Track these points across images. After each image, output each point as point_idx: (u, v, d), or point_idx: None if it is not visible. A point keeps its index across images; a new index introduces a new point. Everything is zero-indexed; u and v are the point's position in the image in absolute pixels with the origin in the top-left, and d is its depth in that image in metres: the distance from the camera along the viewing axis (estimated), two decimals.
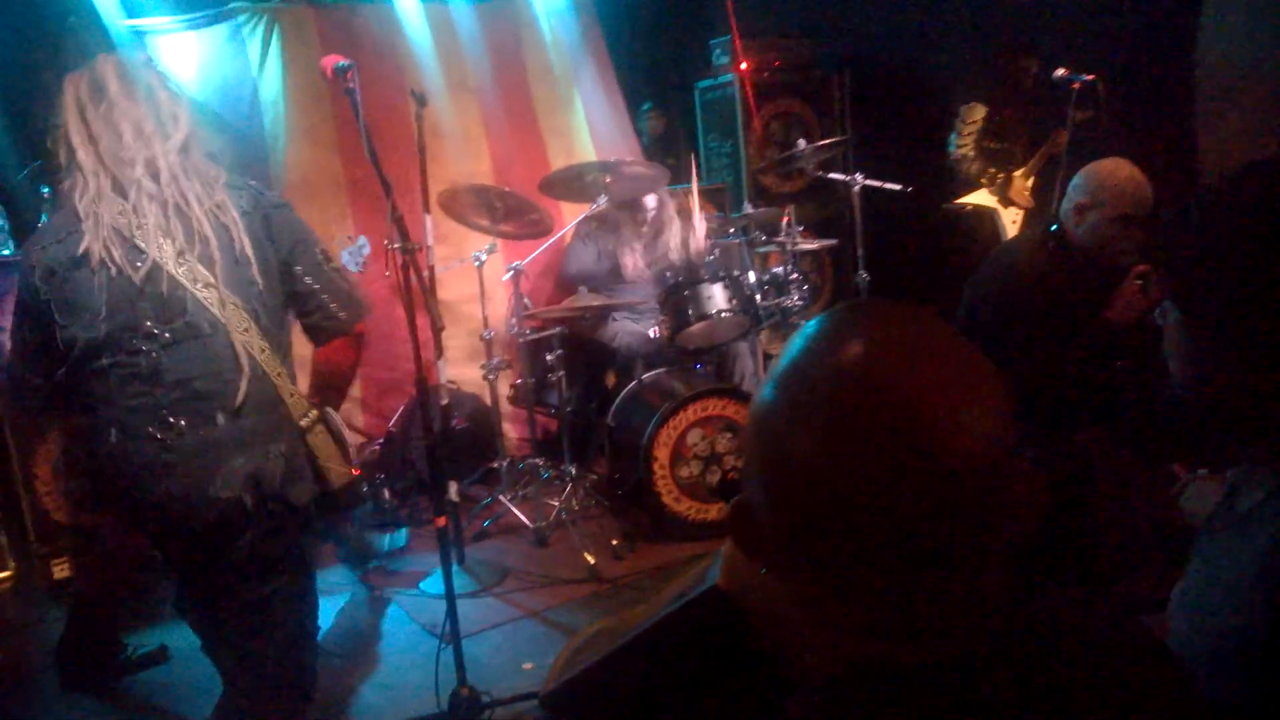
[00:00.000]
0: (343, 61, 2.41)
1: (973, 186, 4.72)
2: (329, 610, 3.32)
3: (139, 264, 1.82)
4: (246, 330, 1.87)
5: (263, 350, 1.89)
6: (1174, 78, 4.36)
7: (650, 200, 4.28)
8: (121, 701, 2.89)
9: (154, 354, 1.82)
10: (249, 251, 1.89)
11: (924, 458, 0.62)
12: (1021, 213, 4.70)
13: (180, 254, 1.84)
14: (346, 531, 3.59)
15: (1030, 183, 4.68)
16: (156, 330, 1.82)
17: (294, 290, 2.00)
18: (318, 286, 2.01)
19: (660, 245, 4.35)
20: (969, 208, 4.73)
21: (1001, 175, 4.66)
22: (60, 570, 3.83)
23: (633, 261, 4.30)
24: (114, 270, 1.81)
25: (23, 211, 4.08)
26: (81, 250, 1.81)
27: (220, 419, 1.85)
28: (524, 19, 4.91)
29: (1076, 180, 2.74)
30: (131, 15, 4.21)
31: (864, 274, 4.33)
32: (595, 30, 5.11)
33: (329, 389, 2.12)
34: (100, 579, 3.00)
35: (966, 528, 0.64)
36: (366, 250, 3.40)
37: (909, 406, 0.63)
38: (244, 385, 1.85)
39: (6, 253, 3.91)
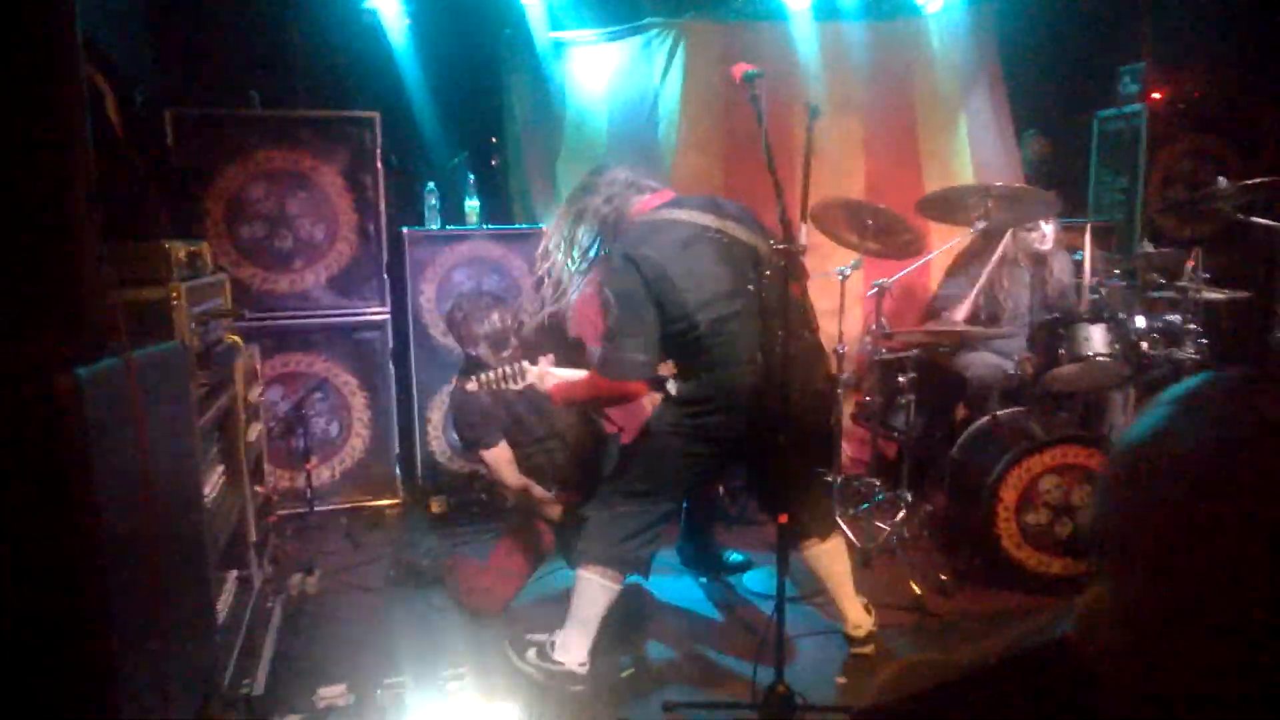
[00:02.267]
0: (752, 70, 2.55)
1: None
2: (657, 587, 3.53)
3: None
4: None
5: None
6: None
7: (1037, 231, 4.05)
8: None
9: None
10: None
11: None
12: None
13: None
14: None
15: None
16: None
17: None
18: None
19: (1039, 278, 4.10)
20: None
21: None
22: (437, 506, 4.42)
23: (1006, 292, 4.09)
24: None
25: (451, 193, 4.75)
26: None
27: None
28: (917, 38, 4.85)
29: None
30: (557, 28, 4.75)
31: None
32: (992, 52, 4.92)
33: None
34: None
35: None
36: None
37: None
38: None
39: (434, 228, 4.57)
